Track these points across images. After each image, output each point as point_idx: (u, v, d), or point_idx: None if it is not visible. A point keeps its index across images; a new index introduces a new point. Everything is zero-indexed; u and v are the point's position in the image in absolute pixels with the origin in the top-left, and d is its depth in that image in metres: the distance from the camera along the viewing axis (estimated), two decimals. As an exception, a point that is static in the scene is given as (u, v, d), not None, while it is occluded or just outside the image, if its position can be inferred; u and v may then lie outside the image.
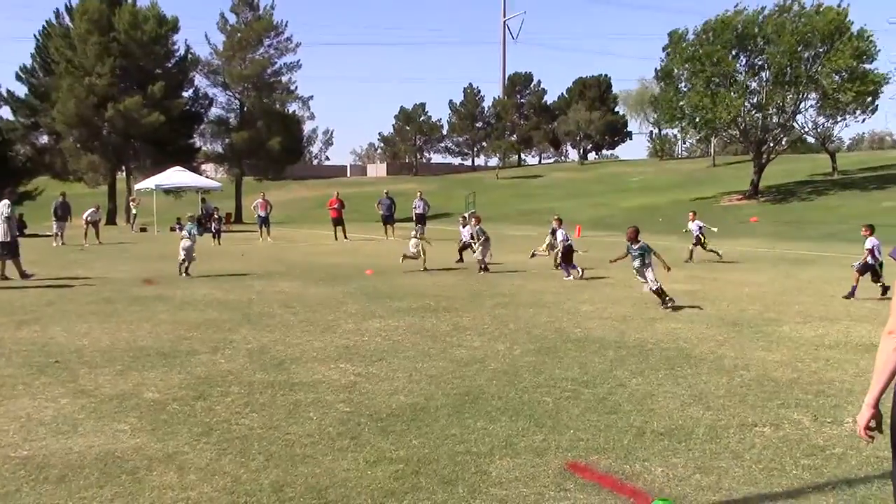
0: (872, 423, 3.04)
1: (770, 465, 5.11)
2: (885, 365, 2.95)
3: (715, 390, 7.04)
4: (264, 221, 31.34)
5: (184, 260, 17.10)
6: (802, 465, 5.11)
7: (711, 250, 20.73)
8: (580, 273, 16.66)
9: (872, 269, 13.37)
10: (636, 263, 12.68)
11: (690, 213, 22.01)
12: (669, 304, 12.07)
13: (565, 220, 19.97)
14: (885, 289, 13.17)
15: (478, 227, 18.83)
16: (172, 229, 39.44)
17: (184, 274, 16.84)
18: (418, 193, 34.26)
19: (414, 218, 32.02)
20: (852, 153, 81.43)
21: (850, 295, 13.16)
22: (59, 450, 5.33)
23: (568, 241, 17.68)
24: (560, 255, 17.58)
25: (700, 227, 21.04)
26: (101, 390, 6.95)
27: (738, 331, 10.23)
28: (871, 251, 13.21)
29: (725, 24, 43.15)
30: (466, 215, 21.87)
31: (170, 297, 13.34)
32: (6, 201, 16.54)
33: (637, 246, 12.64)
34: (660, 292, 12.27)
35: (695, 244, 20.88)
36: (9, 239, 16.05)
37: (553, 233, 18.20)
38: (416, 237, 18.96)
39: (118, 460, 5.13)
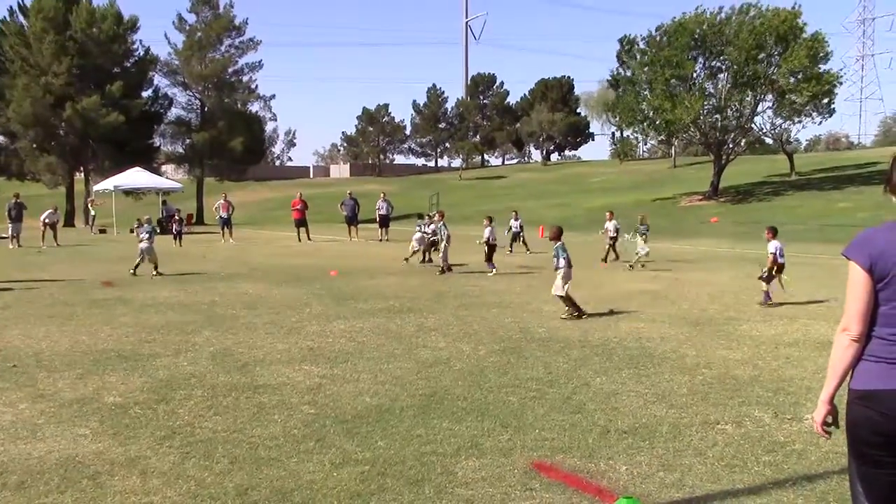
0: (829, 419, 3.09)
1: (732, 461, 5.18)
2: (839, 362, 3.01)
3: (678, 389, 7.12)
4: (226, 223, 31.09)
5: (140, 261, 17.22)
6: (764, 461, 5.19)
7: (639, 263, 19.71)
8: (493, 271, 17.49)
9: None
10: (554, 263, 11.98)
11: (608, 213, 22.07)
12: (570, 315, 11.38)
13: (529, 221, 20.24)
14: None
15: (441, 223, 18.82)
16: (132, 231, 38.92)
17: (153, 273, 17.01)
18: (382, 194, 34.15)
19: (377, 219, 31.93)
20: (809, 154, 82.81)
21: (766, 299, 13.08)
22: (18, 455, 5.23)
23: (494, 240, 18.72)
24: (486, 251, 18.49)
25: (617, 229, 21.39)
26: (61, 394, 6.84)
27: (700, 330, 10.35)
28: (775, 254, 13.19)
29: (683, 28, 43.67)
30: (431, 214, 21.92)
31: (130, 299, 13.16)
32: None
33: (555, 245, 12.07)
34: (565, 299, 11.61)
35: (611, 244, 21.28)
36: None
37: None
38: (420, 231, 19.19)
39: (79, 465, 5.05)
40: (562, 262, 11.63)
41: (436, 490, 4.65)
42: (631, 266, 19.11)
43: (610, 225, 21.46)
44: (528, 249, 24.18)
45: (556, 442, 5.56)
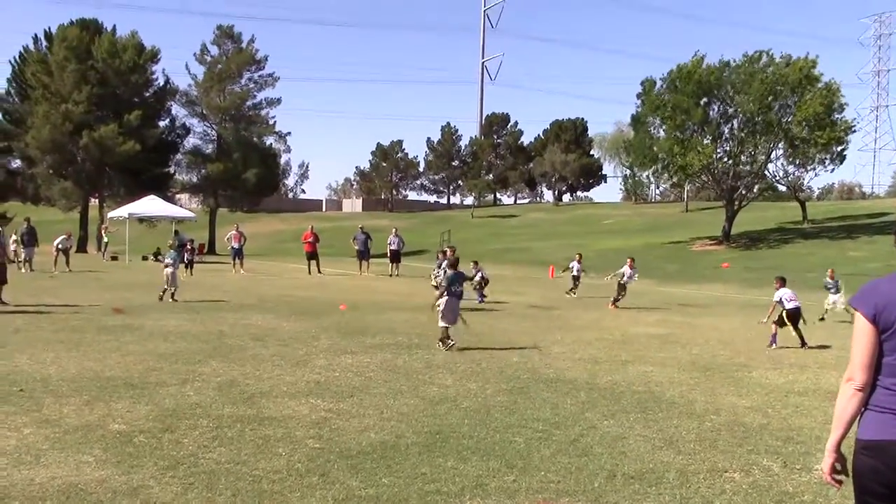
0: (838, 467, 3.06)
1: (740, 511, 5.11)
2: (844, 411, 3.00)
3: (686, 434, 7.05)
4: (238, 253, 31.21)
5: (167, 287, 17.91)
6: (772, 511, 5.12)
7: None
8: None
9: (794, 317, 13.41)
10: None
11: (629, 259, 21.68)
12: (447, 347, 11.69)
13: (540, 261, 20.28)
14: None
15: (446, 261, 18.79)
16: (145, 258, 39.15)
17: (170, 299, 17.69)
18: (394, 230, 34.26)
19: (389, 254, 32.00)
20: (822, 203, 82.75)
21: (772, 342, 13.26)
22: (20, 481, 5.21)
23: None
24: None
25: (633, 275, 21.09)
26: (66, 420, 6.83)
27: (709, 375, 10.28)
28: (779, 302, 13.42)
29: (689, 75, 43.93)
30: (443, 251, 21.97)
31: (139, 326, 13.18)
32: None
33: (449, 273, 12.45)
34: (444, 334, 11.88)
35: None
36: None
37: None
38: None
39: (81, 493, 5.02)
40: (454, 289, 12.13)
41: (439, 530, 4.60)
42: (821, 318, 18.05)
43: (625, 270, 21.28)
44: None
45: (562, 485, 5.51)
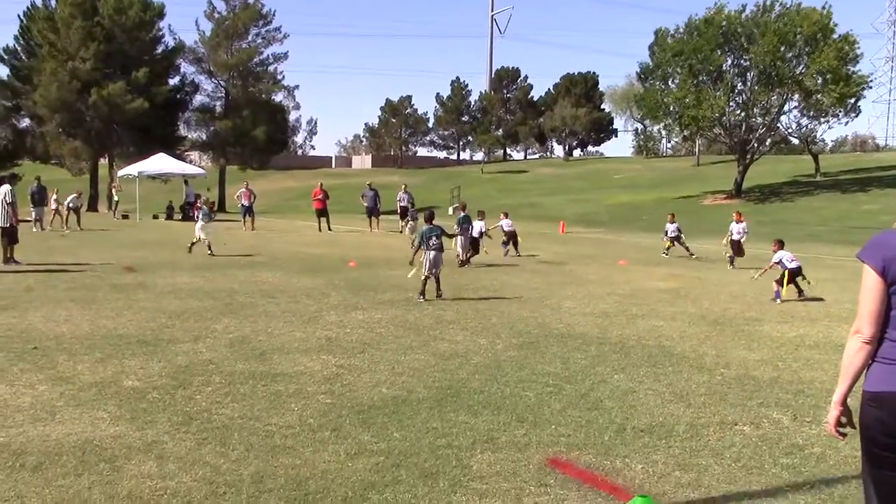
0: (843, 420, 3.07)
1: (749, 463, 5.14)
2: (850, 364, 3.01)
3: (696, 388, 7.07)
4: (248, 211, 31.26)
5: (198, 241, 19.31)
6: (781, 463, 5.14)
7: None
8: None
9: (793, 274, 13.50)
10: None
11: (669, 215, 22.57)
12: (439, 294, 12.52)
13: (550, 216, 20.27)
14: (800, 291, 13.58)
15: (462, 214, 18.78)
16: (155, 217, 39.22)
17: (207, 251, 18.93)
18: (403, 186, 34.16)
19: (398, 211, 31.97)
20: (835, 155, 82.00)
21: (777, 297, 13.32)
22: (36, 437, 5.28)
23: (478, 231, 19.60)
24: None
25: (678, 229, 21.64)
26: (81, 377, 6.89)
27: (720, 329, 10.28)
28: (780, 263, 13.55)
29: (709, 23, 43.34)
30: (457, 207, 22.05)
31: (151, 284, 13.25)
32: (7, 186, 16.41)
33: (427, 227, 12.88)
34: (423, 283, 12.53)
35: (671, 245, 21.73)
36: (8, 224, 15.93)
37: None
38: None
39: (97, 448, 5.08)
40: (433, 242, 12.48)
41: (450, 483, 4.64)
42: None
43: (670, 227, 22.01)
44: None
45: (572, 438, 5.54)
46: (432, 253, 12.48)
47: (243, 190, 31.78)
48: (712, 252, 22.63)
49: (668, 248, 21.94)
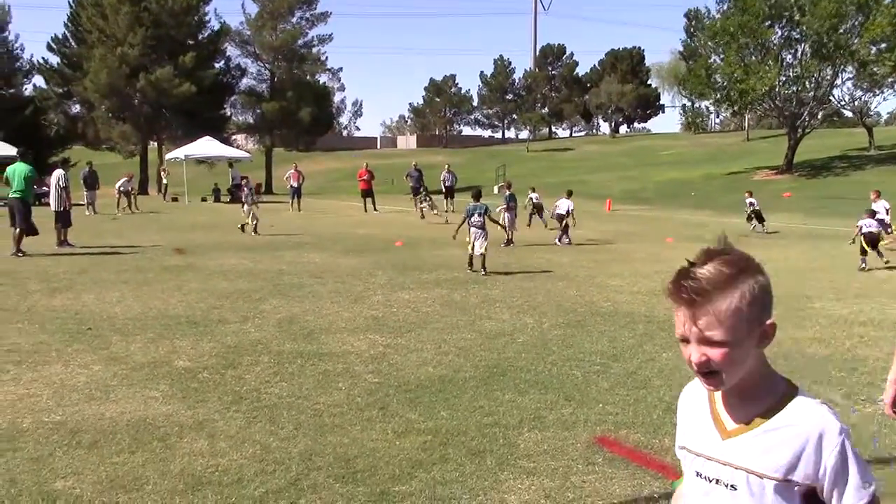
0: None
1: (802, 442, 5.04)
2: None
3: (746, 366, 6.96)
4: (296, 192, 31.52)
5: (248, 221, 19.90)
6: (835, 442, 5.04)
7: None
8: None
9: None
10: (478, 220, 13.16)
11: (746, 192, 21.21)
12: (483, 272, 12.81)
13: (597, 194, 20.09)
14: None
15: (508, 192, 18.75)
16: (204, 199, 39.74)
17: (252, 233, 19.47)
18: (446, 166, 34.20)
19: (444, 190, 32.02)
20: (891, 127, 79.93)
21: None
22: (91, 415, 5.39)
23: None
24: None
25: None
26: (133, 358, 7.02)
27: (771, 307, 10.10)
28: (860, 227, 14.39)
29: None
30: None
31: (200, 266, 13.43)
32: (60, 171, 16.75)
33: (473, 205, 13.35)
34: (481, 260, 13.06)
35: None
36: (62, 208, 16.27)
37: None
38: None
39: (150, 427, 5.18)
40: (474, 219, 13.08)
41: (497, 461, 4.64)
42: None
43: (752, 200, 22.73)
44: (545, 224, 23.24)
45: (620, 417, 5.50)
46: (472, 230, 13.09)
47: (292, 171, 32.09)
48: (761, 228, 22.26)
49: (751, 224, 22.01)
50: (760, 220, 22.71)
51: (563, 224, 18.79)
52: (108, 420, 5.30)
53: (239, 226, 20.16)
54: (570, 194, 20.14)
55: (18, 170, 14.92)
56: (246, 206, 20.42)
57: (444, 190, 32.00)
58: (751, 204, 23.03)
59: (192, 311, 9.32)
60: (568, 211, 18.85)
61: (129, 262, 13.84)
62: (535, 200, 23.84)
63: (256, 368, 6.71)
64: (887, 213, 18.12)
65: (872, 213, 15.04)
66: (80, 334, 7.93)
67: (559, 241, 18.40)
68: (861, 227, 14.28)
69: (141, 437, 4.97)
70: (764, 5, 41.91)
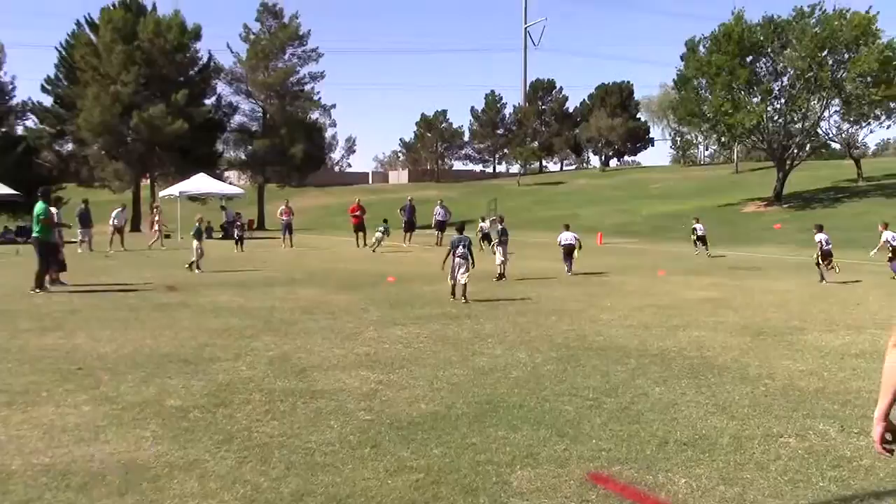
0: (888, 437, 2.98)
1: (796, 476, 5.03)
2: (891, 377, 2.93)
3: (739, 399, 6.96)
4: (287, 228, 31.57)
5: (196, 259, 19.70)
6: (829, 476, 5.03)
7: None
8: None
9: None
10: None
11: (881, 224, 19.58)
12: (464, 300, 13.68)
13: (588, 227, 20.28)
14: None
15: (501, 226, 18.82)
16: (209, 237, 39.77)
17: (196, 271, 19.28)
18: (439, 201, 34.41)
19: (435, 225, 32.23)
20: (878, 159, 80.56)
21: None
22: (81, 457, 5.35)
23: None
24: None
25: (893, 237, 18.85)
26: (124, 397, 6.98)
27: (763, 339, 10.13)
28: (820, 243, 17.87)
29: (728, 36, 42.98)
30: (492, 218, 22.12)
31: (192, 303, 13.40)
32: (52, 209, 16.74)
33: (458, 237, 14.19)
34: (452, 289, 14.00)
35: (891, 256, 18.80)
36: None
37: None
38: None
39: (140, 468, 5.13)
40: (458, 251, 13.89)
41: (490, 500, 4.62)
42: None
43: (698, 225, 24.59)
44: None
45: (614, 453, 5.48)
46: (456, 260, 13.86)
47: (283, 207, 32.18)
48: (751, 260, 22.34)
49: None
50: (704, 244, 25.50)
51: (571, 255, 19.41)
52: (98, 461, 5.26)
53: (186, 265, 19.93)
54: (567, 227, 20.41)
55: (35, 210, 15.54)
56: (196, 241, 20.10)
57: (434, 224, 32.20)
58: (695, 230, 25.85)
59: (184, 349, 9.28)
60: (576, 241, 19.52)
61: (121, 301, 13.80)
62: (484, 230, 26.55)
63: (248, 407, 6.67)
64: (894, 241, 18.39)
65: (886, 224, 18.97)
66: (71, 374, 7.88)
67: (569, 271, 19.15)
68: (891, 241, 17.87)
69: (131, 479, 4.93)
70: (735, 46, 42.46)
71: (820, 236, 18.05)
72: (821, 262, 17.79)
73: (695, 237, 25.90)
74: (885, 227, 19.02)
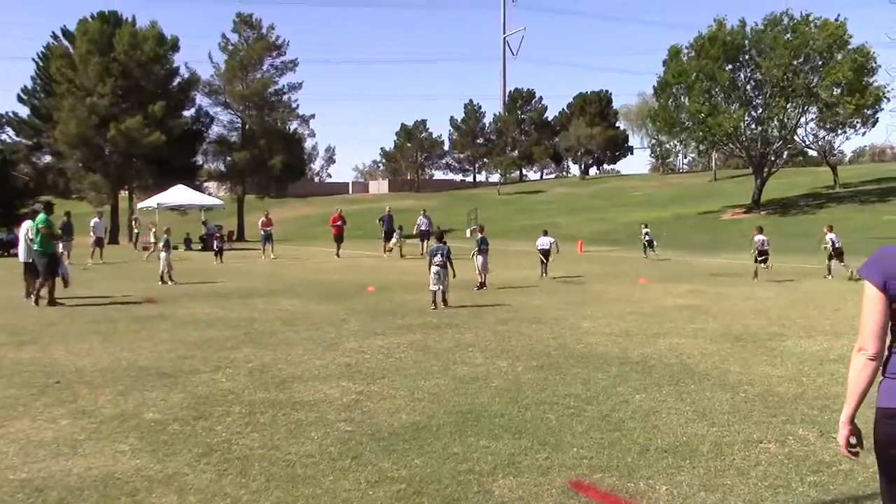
0: (853, 440, 3.03)
1: (776, 482, 5.06)
2: (856, 382, 2.96)
3: (719, 406, 6.99)
4: (268, 238, 31.48)
5: (165, 270, 19.68)
6: (809, 481, 5.06)
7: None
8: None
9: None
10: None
11: (756, 228, 21.67)
12: (444, 305, 14.25)
13: (568, 235, 20.46)
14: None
15: (481, 236, 18.79)
16: (175, 247, 39.41)
17: (169, 282, 19.33)
18: (422, 211, 34.50)
19: (418, 234, 32.35)
20: (854, 166, 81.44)
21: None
22: (58, 472, 5.28)
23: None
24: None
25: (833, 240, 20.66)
26: (102, 411, 6.91)
27: (742, 346, 10.18)
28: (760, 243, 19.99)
29: (713, 40, 43.39)
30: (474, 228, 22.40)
31: (171, 315, 13.31)
32: (30, 222, 16.56)
33: (436, 246, 14.89)
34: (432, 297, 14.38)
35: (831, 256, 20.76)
36: (31, 260, 16.06)
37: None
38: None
39: (118, 482, 5.08)
40: (436, 259, 14.38)
41: (472, 509, 4.60)
42: None
43: (647, 230, 24.72)
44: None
45: (595, 461, 5.48)
46: (434, 268, 14.25)
47: (263, 218, 32.12)
48: (730, 267, 22.48)
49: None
50: (652, 247, 28.08)
51: (548, 258, 21.10)
52: (76, 476, 5.19)
53: (160, 280, 19.76)
54: (545, 233, 22.00)
55: (35, 221, 15.49)
56: (163, 253, 19.99)
57: (418, 234, 32.28)
58: (646, 234, 28.41)
59: (163, 361, 9.21)
60: (551, 245, 21.16)
61: (99, 313, 13.68)
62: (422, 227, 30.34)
63: (228, 419, 6.62)
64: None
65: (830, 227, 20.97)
66: (48, 388, 7.79)
67: (545, 274, 20.80)
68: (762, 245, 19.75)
69: (109, 493, 4.87)
70: (718, 50, 42.91)
71: (759, 237, 20.34)
72: (757, 259, 20.07)
73: (645, 241, 28.63)
74: (830, 229, 21.08)
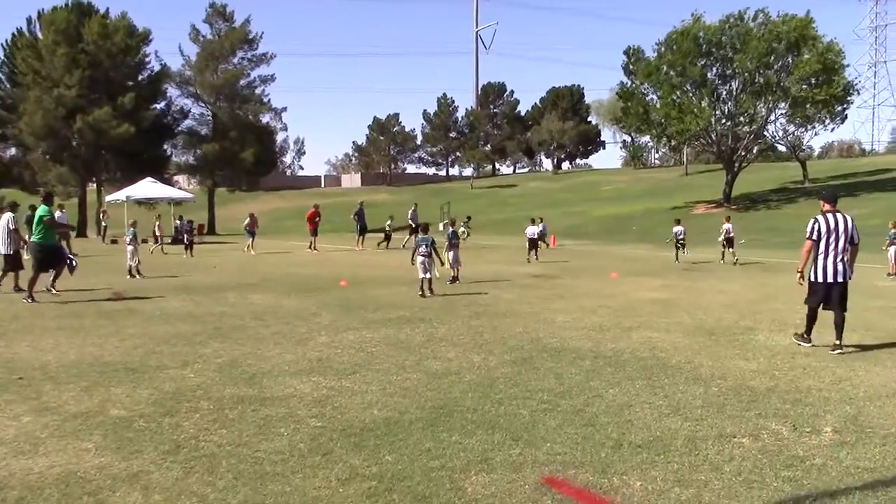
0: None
1: (750, 476, 5.02)
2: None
3: (692, 400, 6.97)
4: (252, 235, 31.26)
5: (134, 264, 19.48)
6: (783, 476, 5.03)
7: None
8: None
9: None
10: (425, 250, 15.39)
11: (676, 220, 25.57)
12: (430, 293, 15.11)
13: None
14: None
15: (451, 230, 18.65)
16: (144, 241, 38.93)
17: (137, 276, 19.16)
18: (413, 205, 35.47)
19: (410, 228, 32.67)
20: (822, 161, 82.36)
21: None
22: (18, 470, 5.13)
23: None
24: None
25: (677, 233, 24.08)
26: (66, 407, 6.75)
27: (715, 339, 10.20)
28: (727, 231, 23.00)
29: (685, 35, 43.58)
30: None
31: (140, 310, 13.10)
32: (10, 214, 16.27)
33: (421, 237, 15.93)
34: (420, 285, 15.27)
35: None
36: (12, 252, 15.82)
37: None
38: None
39: (80, 481, 4.94)
40: (421, 250, 15.38)
41: (444, 507, 4.52)
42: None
43: (678, 229, 24.51)
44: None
45: (568, 456, 5.42)
46: (419, 258, 15.28)
47: (248, 220, 31.74)
48: (701, 261, 22.59)
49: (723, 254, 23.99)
50: (683, 248, 26.92)
51: (536, 245, 24.49)
52: (37, 475, 5.05)
53: (128, 274, 19.57)
54: (533, 222, 25.51)
55: (37, 212, 15.26)
56: (130, 247, 19.71)
57: (410, 227, 32.75)
58: (680, 233, 27.18)
59: (130, 356, 9.03)
60: (541, 234, 24.31)
61: (65, 308, 13.44)
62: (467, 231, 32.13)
63: (195, 415, 6.49)
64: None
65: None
66: (10, 384, 7.60)
67: (536, 258, 24.06)
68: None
69: (71, 492, 4.73)
70: (693, 44, 43.14)
71: (726, 226, 23.58)
72: (677, 248, 23.61)
73: (679, 242, 28.99)
74: (728, 220, 24.54)
